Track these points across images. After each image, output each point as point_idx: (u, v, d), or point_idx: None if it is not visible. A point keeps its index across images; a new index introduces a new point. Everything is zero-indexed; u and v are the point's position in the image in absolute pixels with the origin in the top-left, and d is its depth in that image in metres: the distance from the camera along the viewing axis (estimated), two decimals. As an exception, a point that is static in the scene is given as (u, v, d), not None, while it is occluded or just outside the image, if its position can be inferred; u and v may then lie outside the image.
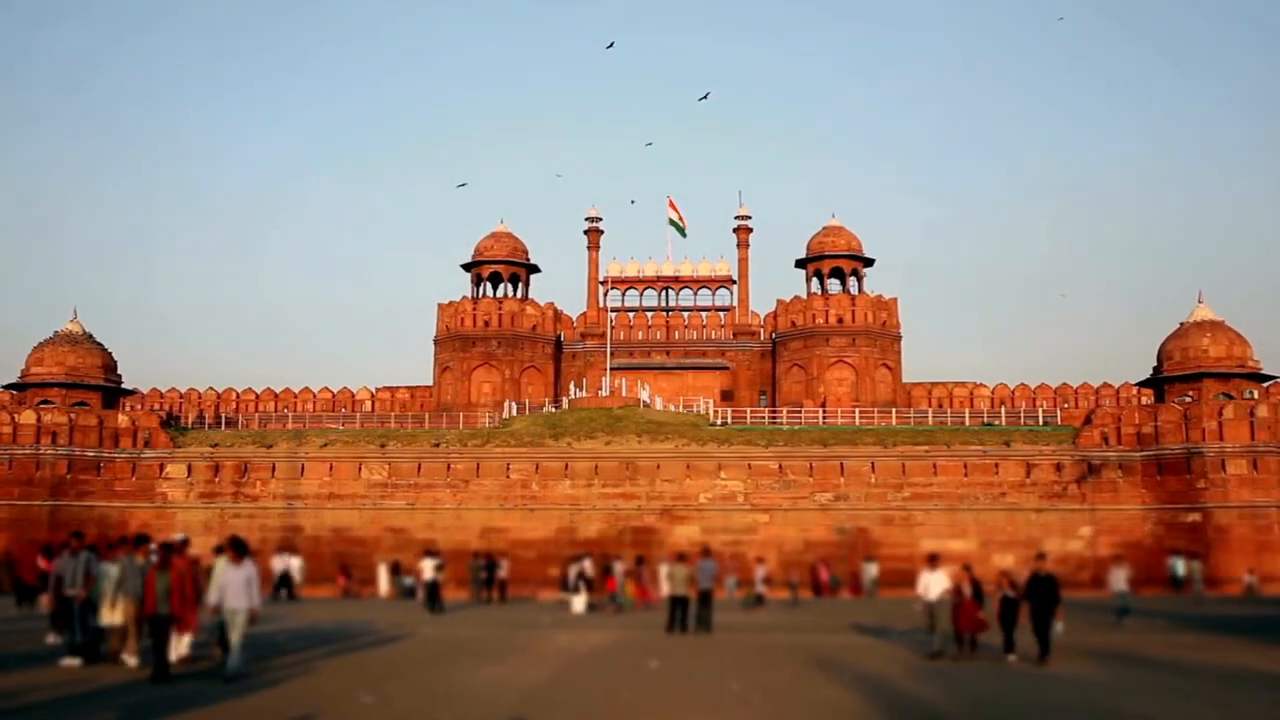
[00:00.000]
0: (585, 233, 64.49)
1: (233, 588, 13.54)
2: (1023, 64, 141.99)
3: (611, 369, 56.82)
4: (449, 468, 46.40)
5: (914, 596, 17.71)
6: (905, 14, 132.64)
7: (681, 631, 21.14)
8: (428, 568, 30.42)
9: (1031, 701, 12.29)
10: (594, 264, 64.02)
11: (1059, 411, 52.71)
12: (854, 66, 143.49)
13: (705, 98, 74.90)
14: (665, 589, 23.04)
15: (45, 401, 49.75)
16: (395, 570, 38.40)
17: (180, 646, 14.37)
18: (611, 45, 76.71)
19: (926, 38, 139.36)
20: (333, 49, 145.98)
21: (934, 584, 16.91)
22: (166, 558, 13.80)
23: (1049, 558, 17.56)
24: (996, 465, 44.89)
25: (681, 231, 60.90)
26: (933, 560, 17.68)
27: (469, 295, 60.14)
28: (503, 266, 60.46)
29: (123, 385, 53.91)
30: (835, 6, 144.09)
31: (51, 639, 16.40)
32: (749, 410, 53.29)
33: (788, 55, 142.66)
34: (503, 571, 34.62)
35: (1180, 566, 39.82)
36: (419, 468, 46.52)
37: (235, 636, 13.34)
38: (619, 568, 31.45)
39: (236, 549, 13.94)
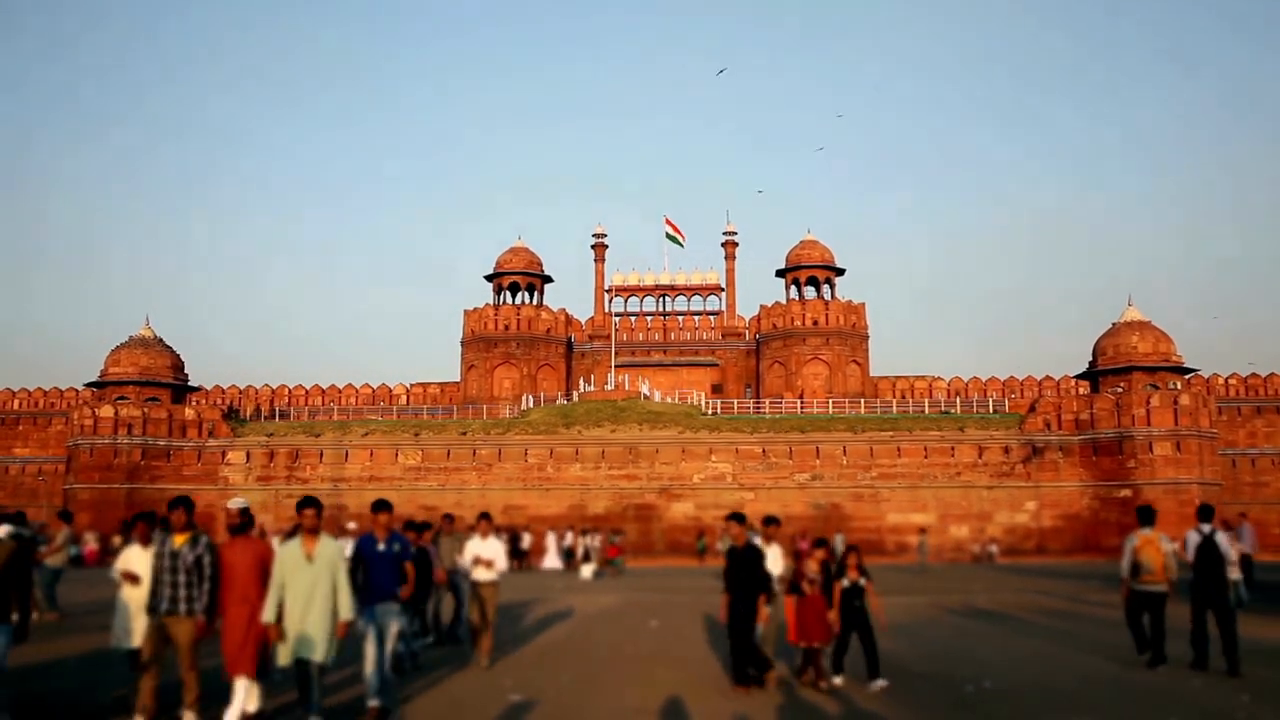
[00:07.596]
0: (592, 248, 64.53)
1: None
2: (973, 92, 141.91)
3: (615, 366, 56.85)
4: (474, 453, 46.34)
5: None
6: (878, 49, 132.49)
7: None
8: None
9: (991, 650, 12.13)
10: (600, 274, 64.04)
11: (1007, 401, 52.69)
12: (826, 99, 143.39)
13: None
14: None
15: (122, 398, 49.73)
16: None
17: (249, 699, 7.36)
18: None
19: (893, 74, 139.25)
20: (387, 83, 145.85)
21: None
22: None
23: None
24: (952, 448, 44.83)
25: (678, 243, 60.80)
26: (733, 519, 9.36)
27: (491, 302, 60.04)
28: (520, 277, 60.37)
29: (189, 383, 53.86)
30: (813, 44, 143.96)
31: None
32: (736, 402, 53.24)
33: (767, 84, 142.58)
34: (523, 544, 34.65)
35: None
36: (448, 453, 46.46)
37: None
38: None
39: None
